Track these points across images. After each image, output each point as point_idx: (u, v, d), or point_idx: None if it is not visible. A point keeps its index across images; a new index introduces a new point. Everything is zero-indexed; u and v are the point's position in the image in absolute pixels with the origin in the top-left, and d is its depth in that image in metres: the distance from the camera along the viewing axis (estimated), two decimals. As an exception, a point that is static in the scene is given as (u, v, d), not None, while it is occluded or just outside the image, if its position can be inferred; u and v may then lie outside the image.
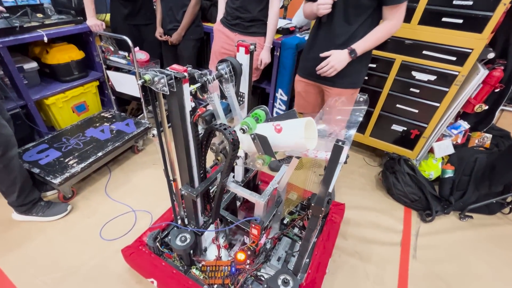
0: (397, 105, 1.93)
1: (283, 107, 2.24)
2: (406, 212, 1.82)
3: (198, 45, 2.20)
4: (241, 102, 1.21)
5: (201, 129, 1.01)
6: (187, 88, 0.84)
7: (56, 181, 1.52)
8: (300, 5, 2.24)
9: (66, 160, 1.67)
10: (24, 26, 1.61)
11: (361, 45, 1.26)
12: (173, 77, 0.78)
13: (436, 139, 1.92)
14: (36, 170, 1.57)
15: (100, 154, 1.75)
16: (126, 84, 2.06)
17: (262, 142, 0.80)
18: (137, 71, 1.90)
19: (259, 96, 2.41)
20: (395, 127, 2.02)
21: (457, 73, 1.64)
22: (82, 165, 1.65)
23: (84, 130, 1.96)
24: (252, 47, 1.14)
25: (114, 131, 1.97)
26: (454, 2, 1.51)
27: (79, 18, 1.92)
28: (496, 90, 1.67)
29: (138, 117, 2.28)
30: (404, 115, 1.94)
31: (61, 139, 1.85)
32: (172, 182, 1.14)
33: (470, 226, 1.75)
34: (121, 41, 1.87)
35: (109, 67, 2.10)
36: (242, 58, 1.16)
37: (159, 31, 2.12)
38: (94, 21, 1.93)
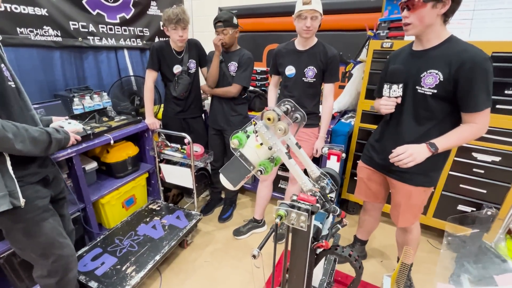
0: (461, 185, 1.86)
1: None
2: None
3: (245, 134, 2.28)
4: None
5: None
6: (313, 217, 0.80)
7: (116, 298, 1.36)
8: (339, 91, 2.41)
9: (124, 268, 1.53)
10: (95, 132, 1.69)
11: (443, 142, 1.16)
12: (309, 211, 0.74)
13: (512, 221, 1.79)
14: (93, 285, 1.42)
15: (157, 257, 1.62)
16: (178, 176, 2.06)
17: None
18: (193, 164, 1.92)
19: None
20: (461, 207, 1.90)
21: (524, 155, 1.63)
22: (141, 273, 1.50)
23: (135, 228, 1.87)
24: (343, 155, 1.15)
25: (167, 227, 1.88)
26: (506, 92, 1.59)
27: (138, 118, 2.04)
28: None
29: (186, 206, 2.21)
30: (470, 195, 1.85)
31: (114, 240, 1.75)
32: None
33: None
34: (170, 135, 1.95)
35: (160, 160, 2.14)
36: (334, 165, 1.15)
37: None
38: (152, 120, 2.05)
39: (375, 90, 1.53)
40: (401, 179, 1.36)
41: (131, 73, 2.47)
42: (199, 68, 2.22)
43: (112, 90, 2.23)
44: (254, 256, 1.01)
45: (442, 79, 1.15)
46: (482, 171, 1.77)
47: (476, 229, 0.89)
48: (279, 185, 2.48)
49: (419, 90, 1.22)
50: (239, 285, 1.73)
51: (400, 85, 1.24)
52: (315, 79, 1.75)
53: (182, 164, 2.11)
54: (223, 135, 2.23)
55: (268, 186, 2.07)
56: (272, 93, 2.00)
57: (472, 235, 0.96)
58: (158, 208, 2.09)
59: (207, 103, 2.51)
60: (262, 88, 2.58)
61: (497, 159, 1.71)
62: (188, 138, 1.89)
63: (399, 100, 1.26)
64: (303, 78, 1.76)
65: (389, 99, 1.27)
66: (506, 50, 1.50)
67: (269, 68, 2.68)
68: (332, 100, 1.81)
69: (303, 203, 0.76)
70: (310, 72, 1.74)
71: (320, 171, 1.03)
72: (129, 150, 2.02)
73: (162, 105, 2.37)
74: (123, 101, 2.27)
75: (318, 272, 1.30)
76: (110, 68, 2.37)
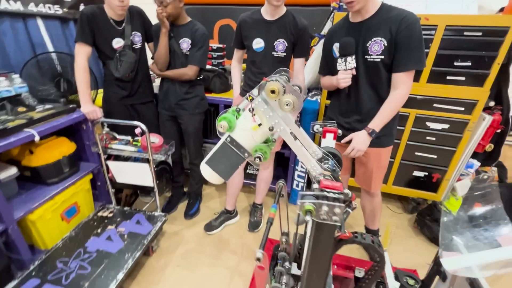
0: (416, 153, 2.03)
1: (305, 170, 2.15)
2: (459, 260, 1.79)
3: (203, 118, 2.04)
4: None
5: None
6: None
7: None
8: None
9: (76, 298, 1.20)
10: (9, 127, 1.24)
11: (378, 123, 1.30)
12: (342, 201, 0.61)
13: (456, 179, 2.04)
14: (35, 329, 1.07)
15: (120, 275, 1.32)
16: (132, 174, 1.73)
17: None
18: (151, 158, 1.62)
19: (277, 160, 2.28)
20: (416, 173, 2.09)
21: (468, 121, 1.83)
22: (103, 300, 1.20)
23: (84, 244, 1.50)
24: (340, 132, 1.06)
25: (126, 236, 1.56)
26: (455, 64, 1.73)
27: (71, 106, 1.60)
28: (498, 131, 1.90)
29: (145, 208, 1.90)
30: (424, 162, 2.04)
31: (56, 264, 1.36)
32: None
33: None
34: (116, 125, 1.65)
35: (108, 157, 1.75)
36: (330, 144, 1.06)
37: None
38: (91, 107, 1.64)
39: (320, 69, 1.56)
40: (371, 145, 1.42)
41: (50, 49, 1.92)
42: (145, 42, 1.85)
43: (25, 71, 1.69)
44: (258, 259, 0.87)
45: (386, 44, 1.22)
46: (434, 138, 1.95)
47: (471, 193, 0.92)
48: (248, 171, 2.34)
49: (368, 59, 1.27)
50: (221, 285, 1.57)
51: (353, 57, 1.27)
52: (285, 53, 1.61)
53: (136, 159, 1.78)
54: (177, 121, 1.95)
55: (239, 173, 1.91)
56: (236, 69, 1.80)
57: (468, 198, 0.99)
58: (111, 215, 1.73)
59: (155, 85, 2.16)
60: (220, 66, 2.34)
61: (446, 126, 1.89)
62: (141, 127, 1.57)
63: (354, 72, 1.29)
64: (273, 52, 1.61)
65: (346, 72, 1.29)
66: (458, 24, 1.61)
67: (225, 45, 2.47)
68: (304, 76, 1.71)
69: (331, 192, 0.63)
70: (281, 46, 1.59)
71: (322, 151, 0.92)
72: (63, 147, 1.58)
73: (100, 90, 1.93)
74: (43, 84, 1.75)
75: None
76: (18, 43, 1.79)
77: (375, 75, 1.30)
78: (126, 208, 1.81)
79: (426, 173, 2.07)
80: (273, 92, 0.72)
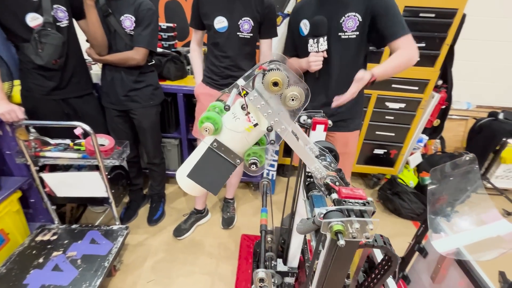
0: (377, 132, 2.13)
1: (275, 157, 2.09)
2: (416, 226, 1.99)
3: (160, 110, 1.78)
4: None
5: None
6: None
7: None
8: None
9: None
10: None
11: (381, 70, 1.10)
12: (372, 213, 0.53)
13: (409, 154, 2.23)
14: None
15: (80, 312, 1.09)
16: (78, 185, 1.42)
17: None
18: (102, 164, 1.33)
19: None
20: (377, 151, 2.21)
21: (420, 99, 1.96)
22: None
23: (21, 281, 1.18)
24: (330, 122, 0.98)
25: (79, 261, 1.29)
26: (411, 45, 1.80)
27: (-25, 107, 1.19)
28: (443, 107, 2.10)
29: (98, 222, 1.61)
30: (383, 140, 2.16)
31: (-16, 316, 1.05)
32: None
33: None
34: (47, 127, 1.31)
35: (40, 168, 1.39)
36: (320, 136, 0.98)
37: None
38: (6, 106, 1.24)
39: (285, 49, 1.47)
40: (338, 129, 1.38)
41: None
42: (72, 19, 1.47)
43: None
44: (262, 280, 0.76)
45: (361, 20, 1.14)
46: (392, 117, 2.06)
47: (455, 176, 0.95)
48: (214, 165, 2.18)
49: (343, 36, 1.19)
50: (202, 293, 1.45)
51: (325, 37, 1.18)
52: (252, 34, 1.45)
53: (80, 167, 1.46)
54: (129, 116, 1.67)
55: (208, 169, 1.74)
56: (196, 53, 1.58)
57: (452, 180, 1.03)
58: (55, 237, 1.42)
59: (94, 73, 1.80)
60: (173, 49, 2.05)
61: (403, 105, 2.01)
62: (83, 127, 1.27)
63: (325, 54, 1.21)
64: (238, 33, 1.43)
65: (318, 54, 1.20)
66: (417, 5, 1.65)
67: (175, 25, 2.16)
68: (271, 56, 1.58)
69: (356, 203, 0.54)
70: (246, 25, 1.42)
71: (319, 147, 0.84)
72: (-30, 163, 1.19)
73: (17, 82, 1.50)
74: None
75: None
76: None
77: (348, 55, 1.22)
78: (74, 226, 1.50)
79: (385, 150, 2.21)
80: (275, 84, 0.58)
